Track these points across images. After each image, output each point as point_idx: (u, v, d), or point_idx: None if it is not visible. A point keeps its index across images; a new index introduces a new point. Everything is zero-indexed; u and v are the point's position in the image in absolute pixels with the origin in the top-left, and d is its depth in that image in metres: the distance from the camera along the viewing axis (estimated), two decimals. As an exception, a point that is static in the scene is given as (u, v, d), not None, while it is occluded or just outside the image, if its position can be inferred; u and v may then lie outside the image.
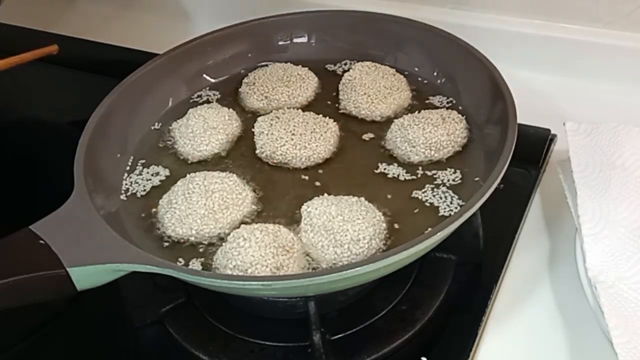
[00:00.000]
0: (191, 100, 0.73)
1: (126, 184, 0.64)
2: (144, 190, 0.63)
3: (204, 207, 0.58)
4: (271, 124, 0.65)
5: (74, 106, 0.64)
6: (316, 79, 0.73)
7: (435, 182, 0.60)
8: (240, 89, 0.73)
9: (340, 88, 0.71)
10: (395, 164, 0.62)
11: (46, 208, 0.54)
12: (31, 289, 0.49)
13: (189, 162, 0.66)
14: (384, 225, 0.56)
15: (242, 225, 0.57)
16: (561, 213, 0.63)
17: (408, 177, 0.61)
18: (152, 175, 0.64)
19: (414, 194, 0.59)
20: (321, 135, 0.64)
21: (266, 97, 0.71)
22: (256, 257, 0.52)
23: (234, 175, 0.61)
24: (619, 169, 0.61)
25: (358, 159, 0.64)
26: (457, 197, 0.58)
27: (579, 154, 0.61)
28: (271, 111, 0.68)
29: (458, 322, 0.58)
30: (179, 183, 0.61)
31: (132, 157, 0.66)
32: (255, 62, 0.76)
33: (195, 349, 0.56)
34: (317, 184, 0.62)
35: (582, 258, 0.55)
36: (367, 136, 0.66)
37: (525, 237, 0.63)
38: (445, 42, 0.70)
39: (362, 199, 0.58)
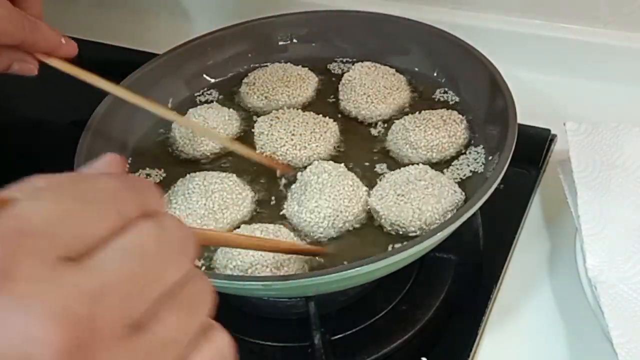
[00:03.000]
0: (191, 100, 0.73)
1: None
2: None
3: (203, 207, 0.58)
4: (271, 124, 0.65)
5: (74, 106, 0.64)
6: (316, 79, 0.73)
7: (436, 182, 0.60)
8: (240, 89, 0.73)
9: (340, 88, 0.71)
10: (395, 165, 0.62)
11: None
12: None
13: (189, 162, 0.66)
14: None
15: (242, 225, 0.57)
16: (561, 213, 0.63)
17: (408, 177, 0.61)
18: (152, 175, 0.64)
19: (414, 194, 0.59)
20: (321, 135, 0.64)
21: (266, 97, 0.70)
22: (256, 257, 0.52)
23: (234, 175, 0.61)
24: (619, 169, 0.61)
25: (358, 159, 0.64)
26: (457, 197, 0.58)
27: (579, 154, 0.61)
28: (271, 111, 0.68)
29: (458, 322, 0.58)
30: (178, 183, 0.61)
31: (131, 157, 0.66)
32: (255, 62, 0.76)
33: (195, 349, 0.56)
34: (317, 184, 0.62)
35: (582, 258, 0.55)
36: (366, 136, 0.66)
37: (525, 237, 0.63)
38: (445, 42, 0.70)
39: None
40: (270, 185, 0.62)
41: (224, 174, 0.61)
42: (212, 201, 0.58)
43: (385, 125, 0.67)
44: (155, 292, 0.24)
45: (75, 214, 0.24)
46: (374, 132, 0.67)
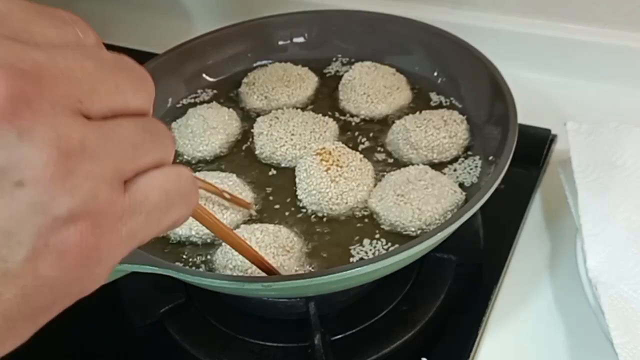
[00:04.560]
0: (191, 100, 0.73)
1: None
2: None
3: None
4: (270, 124, 0.65)
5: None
6: (316, 78, 0.73)
7: (436, 182, 0.60)
8: (240, 89, 0.73)
9: (340, 88, 0.71)
10: (395, 165, 0.62)
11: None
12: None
13: (189, 162, 0.66)
14: None
15: (242, 225, 0.57)
16: (561, 213, 0.62)
17: (408, 177, 0.61)
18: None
19: (414, 194, 0.59)
20: (321, 135, 0.64)
21: (266, 97, 0.70)
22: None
23: (234, 175, 0.61)
24: (620, 169, 0.60)
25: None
26: (457, 197, 0.58)
27: (579, 154, 0.61)
28: (271, 111, 0.68)
29: (458, 322, 0.58)
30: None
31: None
32: (255, 62, 0.76)
33: (195, 349, 0.56)
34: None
35: (583, 258, 0.54)
36: (366, 136, 0.66)
37: (525, 237, 0.63)
38: (445, 42, 0.70)
39: None
40: (270, 184, 0.62)
41: (224, 174, 0.61)
42: (212, 202, 0.58)
43: (385, 125, 0.67)
44: (108, 96, 0.24)
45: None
46: (373, 132, 0.67)
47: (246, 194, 0.60)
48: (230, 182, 0.60)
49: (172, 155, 0.28)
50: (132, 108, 0.25)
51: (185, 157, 0.66)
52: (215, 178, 0.60)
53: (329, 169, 0.58)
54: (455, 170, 0.61)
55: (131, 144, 0.25)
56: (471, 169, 0.61)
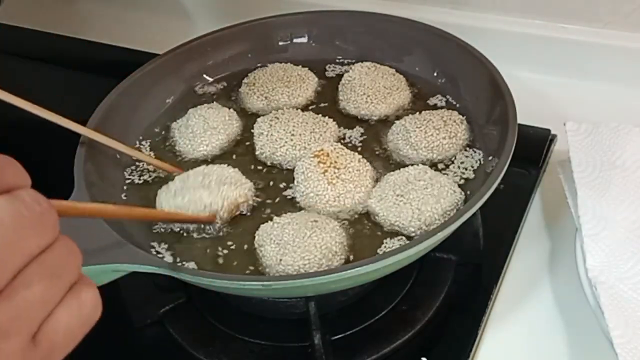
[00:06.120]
0: (191, 100, 0.73)
1: (126, 184, 0.64)
2: (144, 190, 0.63)
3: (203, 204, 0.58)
4: (271, 125, 0.65)
5: (74, 106, 0.64)
6: (316, 79, 0.73)
7: (436, 182, 0.60)
8: (240, 89, 0.73)
9: (340, 88, 0.71)
10: (395, 165, 0.62)
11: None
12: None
13: (189, 162, 0.66)
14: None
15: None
16: (561, 213, 0.63)
17: (408, 177, 0.61)
18: (152, 175, 0.64)
19: (414, 194, 0.59)
20: (320, 135, 0.64)
21: (266, 97, 0.70)
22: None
23: (231, 167, 0.61)
24: (619, 169, 0.61)
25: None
26: (457, 197, 0.58)
27: (579, 154, 0.61)
28: (271, 111, 0.68)
29: (458, 322, 0.58)
30: (177, 181, 0.61)
31: (131, 157, 0.66)
32: (255, 62, 0.76)
33: (195, 349, 0.56)
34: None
35: (583, 258, 0.55)
36: (366, 137, 0.66)
37: (525, 237, 0.63)
38: (445, 42, 0.70)
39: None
40: (270, 185, 0.62)
41: (223, 165, 0.61)
42: (210, 190, 0.58)
43: (385, 125, 0.67)
44: (16, 261, 0.26)
45: None
46: (373, 132, 0.67)
47: (246, 185, 0.60)
48: (230, 170, 0.60)
49: (79, 271, 0.29)
50: (39, 250, 0.27)
51: (185, 157, 0.66)
52: (215, 168, 0.60)
53: (326, 171, 0.58)
54: (454, 170, 0.61)
55: (40, 301, 0.27)
56: (471, 169, 0.61)
